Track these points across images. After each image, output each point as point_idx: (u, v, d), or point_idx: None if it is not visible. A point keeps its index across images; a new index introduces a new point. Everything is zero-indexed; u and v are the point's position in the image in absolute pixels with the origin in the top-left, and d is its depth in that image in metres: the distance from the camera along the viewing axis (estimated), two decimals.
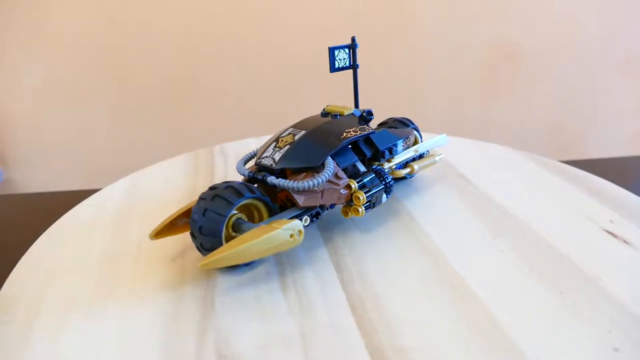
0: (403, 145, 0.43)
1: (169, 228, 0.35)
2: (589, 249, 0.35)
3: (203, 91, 1.03)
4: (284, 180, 0.34)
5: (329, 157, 0.36)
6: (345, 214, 0.38)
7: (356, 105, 0.43)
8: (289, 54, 1.02)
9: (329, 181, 0.36)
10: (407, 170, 0.43)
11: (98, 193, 0.47)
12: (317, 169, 0.35)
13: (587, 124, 1.13)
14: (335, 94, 1.04)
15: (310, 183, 0.34)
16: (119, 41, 0.98)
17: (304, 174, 0.35)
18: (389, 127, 0.45)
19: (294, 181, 0.34)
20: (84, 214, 0.43)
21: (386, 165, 0.41)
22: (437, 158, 0.46)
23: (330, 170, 0.35)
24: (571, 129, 1.13)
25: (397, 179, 0.46)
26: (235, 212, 0.33)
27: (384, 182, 0.38)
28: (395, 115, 0.47)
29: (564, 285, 0.31)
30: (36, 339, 0.28)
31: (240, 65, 1.02)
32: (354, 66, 0.42)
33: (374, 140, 0.40)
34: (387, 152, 0.41)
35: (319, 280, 0.33)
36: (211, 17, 0.98)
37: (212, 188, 0.33)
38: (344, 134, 0.38)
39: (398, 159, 0.42)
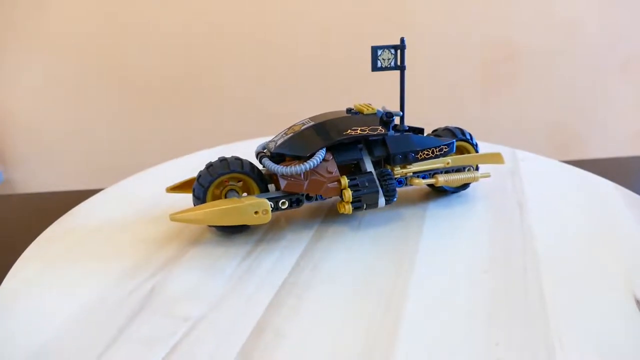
0: (426, 154, 0.40)
1: (183, 187, 0.40)
2: (585, 316, 0.29)
3: (203, 91, 1.03)
4: (271, 163, 0.37)
5: (321, 150, 0.37)
6: (338, 208, 0.39)
7: (402, 108, 0.41)
8: (290, 54, 1.02)
9: (315, 172, 0.37)
10: (431, 180, 0.41)
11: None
12: (307, 159, 0.37)
13: (587, 124, 1.13)
14: (338, 93, 1.04)
15: (289, 170, 0.36)
16: (119, 41, 0.98)
17: (297, 161, 0.37)
18: (436, 135, 0.43)
19: (279, 165, 0.36)
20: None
21: (397, 170, 0.40)
22: (477, 174, 0.43)
23: (313, 162, 0.36)
24: (571, 129, 1.13)
25: (437, 189, 0.44)
26: (234, 183, 0.38)
27: (383, 186, 0.38)
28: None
29: (505, 340, 0.27)
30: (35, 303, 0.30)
31: (241, 65, 1.02)
32: (401, 67, 0.40)
33: (388, 143, 0.39)
34: (399, 157, 0.39)
35: (277, 260, 0.35)
36: (212, 17, 0.98)
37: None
38: (348, 131, 0.38)
39: (417, 167, 0.41)
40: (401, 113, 0.41)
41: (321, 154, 0.37)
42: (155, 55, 1.00)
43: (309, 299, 0.31)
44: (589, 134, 1.14)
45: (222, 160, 0.37)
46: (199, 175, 0.37)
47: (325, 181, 0.38)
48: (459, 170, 0.43)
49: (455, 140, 0.42)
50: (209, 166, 0.37)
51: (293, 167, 0.36)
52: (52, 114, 1.03)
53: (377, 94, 1.03)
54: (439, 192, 0.45)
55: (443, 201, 0.44)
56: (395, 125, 0.42)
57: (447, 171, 0.42)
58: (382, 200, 0.38)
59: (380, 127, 0.39)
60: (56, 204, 0.46)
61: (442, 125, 0.45)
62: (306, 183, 0.37)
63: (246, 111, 1.04)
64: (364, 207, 0.38)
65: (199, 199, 0.37)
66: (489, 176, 0.44)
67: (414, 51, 1.06)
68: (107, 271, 0.34)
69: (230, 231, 0.38)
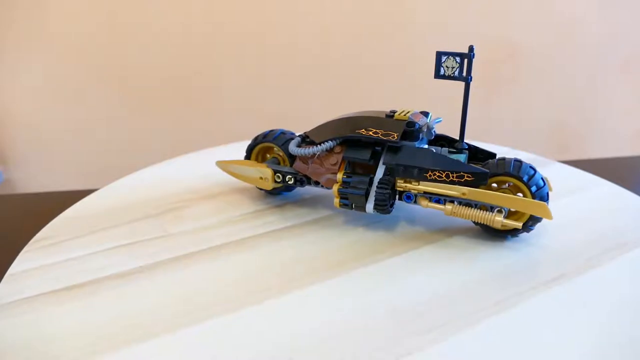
0: (438, 175, 0.36)
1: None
2: None
3: (203, 91, 1.03)
4: (292, 142, 0.41)
5: (330, 141, 0.39)
6: None
7: (463, 123, 0.38)
8: (290, 54, 1.01)
9: (320, 160, 0.40)
10: (440, 207, 0.37)
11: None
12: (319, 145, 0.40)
13: (587, 124, 1.13)
14: (338, 93, 1.04)
15: (297, 150, 0.40)
16: (118, 41, 0.98)
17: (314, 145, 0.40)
18: (483, 164, 0.37)
19: (293, 145, 0.40)
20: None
21: (401, 183, 0.37)
22: (498, 218, 0.34)
23: (314, 149, 0.39)
24: (571, 129, 1.13)
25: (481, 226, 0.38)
26: (279, 153, 0.44)
27: (376, 193, 0.37)
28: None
29: None
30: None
31: (241, 65, 1.02)
32: (466, 79, 0.36)
33: (400, 152, 0.37)
34: (400, 169, 0.37)
35: (264, 223, 0.40)
36: (211, 17, 0.98)
37: None
38: (362, 130, 0.38)
39: (425, 186, 0.36)
40: (435, 128, 0.39)
41: (328, 144, 0.39)
42: (155, 55, 1.00)
43: (231, 259, 0.35)
44: (589, 134, 1.14)
45: (268, 132, 0.44)
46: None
47: (324, 171, 0.40)
48: (482, 207, 0.36)
49: (488, 172, 0.35)
50: (258, 135, 0.44)
51: (300, 148, 0.40)
52: (52, 114, 1.03)
53: (378, 94, 1.03)
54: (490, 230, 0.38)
55: (481, 237, 0.38)
56: (454, 141, 0.39)
57: (465, 203, 0.37)
58: (369, 206, 0.37)
59: (395, 134, 0.37)
60: (56, 204, 0.46)
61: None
62: (310, 167, 0.40)
63: (246, 111, 1.04)
64: (352, 206, 0.38)
65: (245, 158, 0.45)
66: (518, 227, 0.35)
67: (414, 51, 1.06)
68: (152, 195, 0.45)
69: (267, 192, 0.45)
